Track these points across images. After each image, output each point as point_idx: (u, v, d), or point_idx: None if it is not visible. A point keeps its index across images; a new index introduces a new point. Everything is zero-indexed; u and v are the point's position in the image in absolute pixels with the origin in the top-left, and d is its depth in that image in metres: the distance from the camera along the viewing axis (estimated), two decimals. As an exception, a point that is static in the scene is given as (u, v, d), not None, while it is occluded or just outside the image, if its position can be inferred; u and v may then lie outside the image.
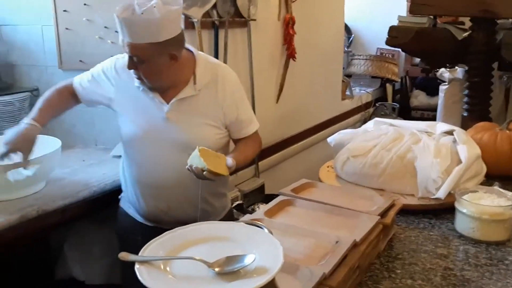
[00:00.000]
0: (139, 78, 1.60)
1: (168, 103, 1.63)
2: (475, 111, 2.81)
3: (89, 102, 1.78)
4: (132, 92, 1.67)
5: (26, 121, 1.62)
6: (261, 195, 2.75)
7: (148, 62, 1.54)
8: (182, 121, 1.63)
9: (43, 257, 1.89)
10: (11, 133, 1.58)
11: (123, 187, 1.83)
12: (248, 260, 0.88)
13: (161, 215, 1.72)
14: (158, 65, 1.55)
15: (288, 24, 2.97)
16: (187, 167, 1.47)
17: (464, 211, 1.37)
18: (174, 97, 1.62)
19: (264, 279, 0.84)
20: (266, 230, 1.02)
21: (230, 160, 1.55)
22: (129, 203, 1.82)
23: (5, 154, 1.56)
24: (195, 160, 1.44)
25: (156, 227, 1.72)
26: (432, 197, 1.53)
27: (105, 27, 2.25)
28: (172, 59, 1.57)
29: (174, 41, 1.53)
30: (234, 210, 2.25)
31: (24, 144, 1.58)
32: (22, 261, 1.76)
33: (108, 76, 1.72)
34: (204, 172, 1.44)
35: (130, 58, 1.55)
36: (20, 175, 1.67)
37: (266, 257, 0.90)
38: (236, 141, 1.78)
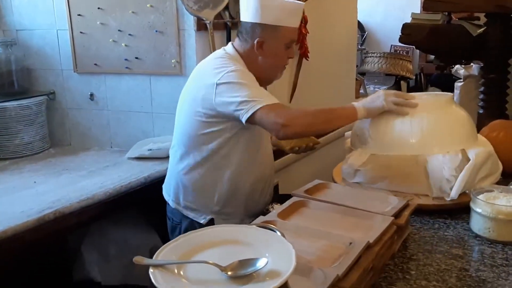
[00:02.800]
0: (284, 66, 1.79)
1: None
2: (491, 108, 2.76)
3: None
4: None
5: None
6: (275, 195, 2.74)
7: None
8: None
9: (61, 259, 1.92)
10: None
11: (210, 207, 1.78)
12: (260, 263, 0.89)
13: (254, 206, 1.88)
14: None
15: (301, 24, 2.95)
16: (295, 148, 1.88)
17: (479, 211, 1.36)
18: None
19: (277, 283, 0.84)
20: (278, 233, 1.02)
21: None
22: (224, 217, 1.80)
23: None
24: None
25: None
26: (447, 198, 1.52)
27: (119, 30, 2.28)
28: None
29: None
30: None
31: None
32: (40, 263, 1.79)
33: None
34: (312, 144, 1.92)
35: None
36: None
37: (278, 260, 0.90)
38: None
